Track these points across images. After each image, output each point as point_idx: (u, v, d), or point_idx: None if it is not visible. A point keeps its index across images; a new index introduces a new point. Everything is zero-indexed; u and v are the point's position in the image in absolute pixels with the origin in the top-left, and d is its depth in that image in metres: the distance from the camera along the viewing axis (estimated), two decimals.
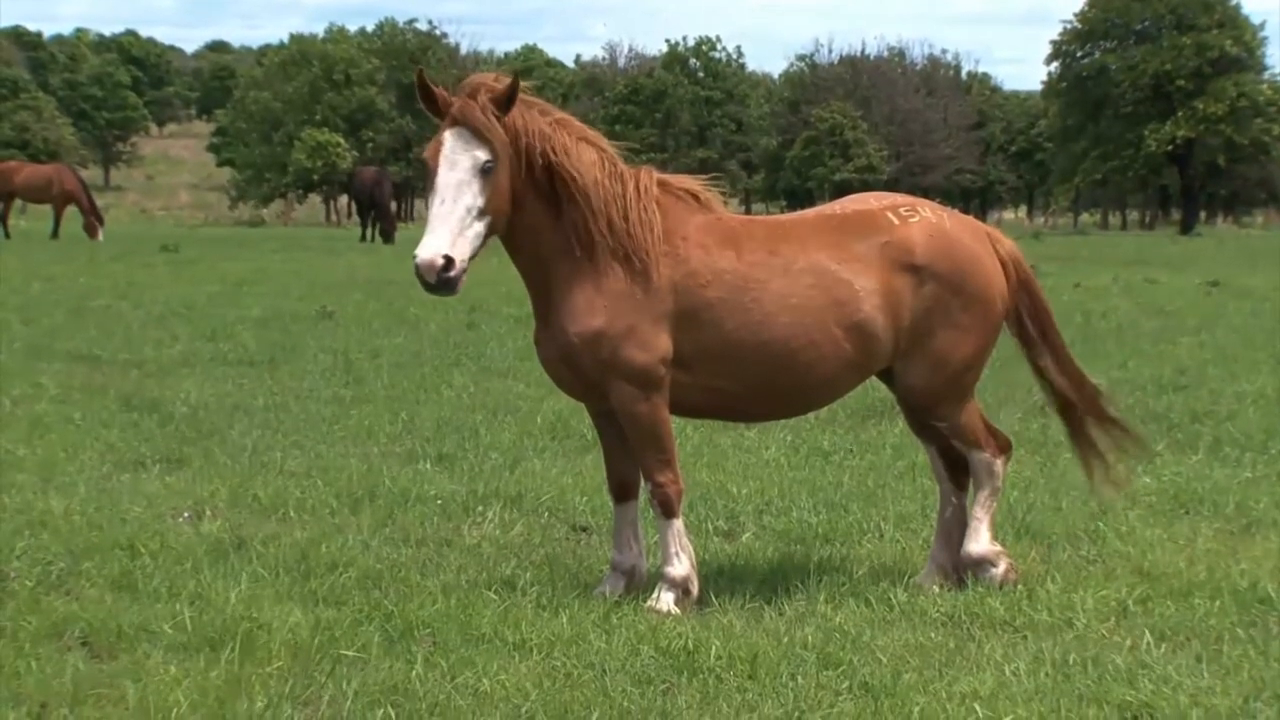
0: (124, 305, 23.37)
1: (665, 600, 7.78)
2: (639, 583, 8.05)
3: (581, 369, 7.81)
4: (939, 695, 6.41)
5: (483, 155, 7.44)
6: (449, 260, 7.29)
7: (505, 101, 7.52)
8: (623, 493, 8.12)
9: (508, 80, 7.60)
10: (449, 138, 7.49)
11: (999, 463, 8.35)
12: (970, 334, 8.15)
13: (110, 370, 16.39)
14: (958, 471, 8.46)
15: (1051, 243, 57.31)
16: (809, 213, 8.61)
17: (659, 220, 7.82)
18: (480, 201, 7.44)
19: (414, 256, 7.31)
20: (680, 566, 7.86)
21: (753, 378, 7.95)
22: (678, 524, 7.92)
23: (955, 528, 8.41)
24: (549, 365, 8.09)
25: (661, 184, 8.01)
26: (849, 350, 7.96)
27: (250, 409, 13.87)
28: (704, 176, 8.36)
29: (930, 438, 8.50)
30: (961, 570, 8.28)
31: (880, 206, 8.29)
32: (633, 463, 8.07)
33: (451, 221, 7.37)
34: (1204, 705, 6.32)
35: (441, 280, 7.31)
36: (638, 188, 7.84)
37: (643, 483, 8.06)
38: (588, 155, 7.77)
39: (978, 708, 6.22)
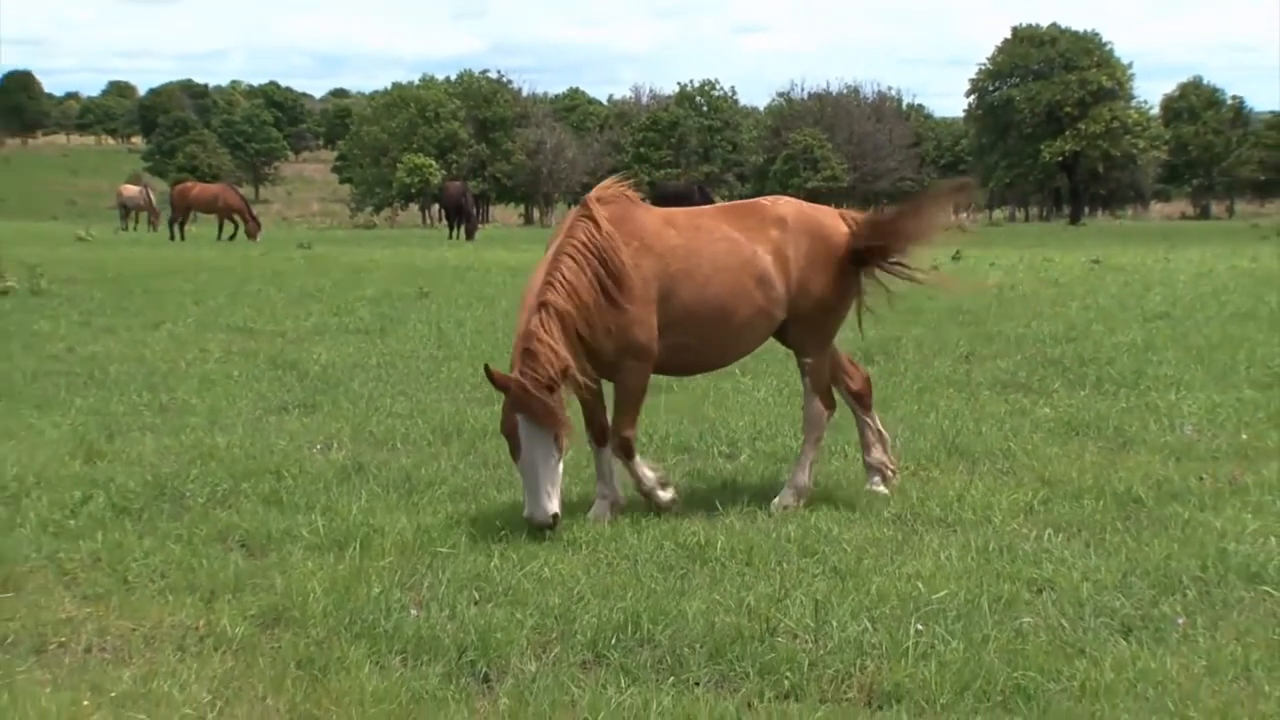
0: (271, 289, 23.32)
1: (663, 499, 7.74)
2: (620, 506, 7.82)
3: (602, 353, 7.58)
4: (891, 575, 6.38)
5: (553, 432, 7.13)
6: (556, 516, 7.16)
7: (552, 384, 7.13)
8: (602, 437, 7.89)
9: (560, 367, 7.15)
10: (521, 423, 7.12)
11: (826, 415, 8.28)
12: (834, 279, 8.08)
13: (261, 338, 16.38)
14: (861, 399, 8.48)
15: (972, 233, 56.92)
16: (713, 205, 8.62)
17: (619, 237, 7.60)
18: (559, 451, 7.19)
19: (529, 517, 7.11)
20: (647, 481, 7.78)
21: (704, 330, 7.82)
22: (637, 458, 7.78)
23: (874, 438, 8.41)
24: None
25: (604, 200, 7.80)
26: (760, 298, 7.90)
27: (366, 366, 13.85)
28: (617, 178, 8.05)
29: (837, 383, 8.46)
30: (802, 487, 8.03)
31: (760, 199, 8.42)
32: (605, 414, 7.91)
33: (547, 482, 7.12)
34: (1092, 580, 6.28)
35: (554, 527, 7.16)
36: (600, 229, 7.59)
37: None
38: (575, 271, 7.44)
39: (920, 584, 6.19)
